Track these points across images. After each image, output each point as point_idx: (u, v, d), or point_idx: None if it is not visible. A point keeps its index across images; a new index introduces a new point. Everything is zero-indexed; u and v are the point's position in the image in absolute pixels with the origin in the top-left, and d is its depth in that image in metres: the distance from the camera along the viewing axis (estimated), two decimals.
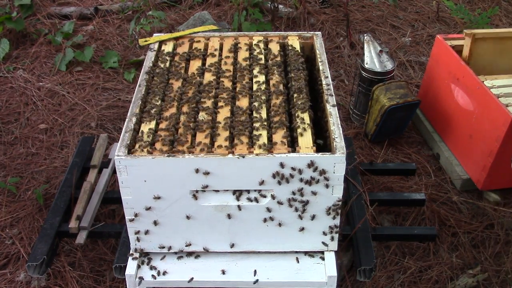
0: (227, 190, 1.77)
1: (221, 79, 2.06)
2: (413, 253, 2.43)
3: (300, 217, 1.82)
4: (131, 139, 1.78)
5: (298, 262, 1.90)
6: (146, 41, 2.30)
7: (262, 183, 1.74)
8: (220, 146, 1.75)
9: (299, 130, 1.81)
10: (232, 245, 1.90)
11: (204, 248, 1.91)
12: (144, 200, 1.78)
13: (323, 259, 1.91)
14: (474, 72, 2.66)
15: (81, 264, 2.35)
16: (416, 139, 3.10)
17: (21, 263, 2.36)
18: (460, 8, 3.94)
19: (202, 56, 2.20)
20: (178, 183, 1.74)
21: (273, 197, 1.77)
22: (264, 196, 1.78)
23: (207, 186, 1.74)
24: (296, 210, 1.80)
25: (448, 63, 2.84)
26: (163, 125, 1.85)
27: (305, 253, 1.93)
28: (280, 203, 1.78)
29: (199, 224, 1.84)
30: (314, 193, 1.76)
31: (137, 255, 1.91)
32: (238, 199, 1.78)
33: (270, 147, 1.74)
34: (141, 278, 1.86)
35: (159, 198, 1.76)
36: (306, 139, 1.78)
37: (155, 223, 1.83)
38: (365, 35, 3.09)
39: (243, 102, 1.94)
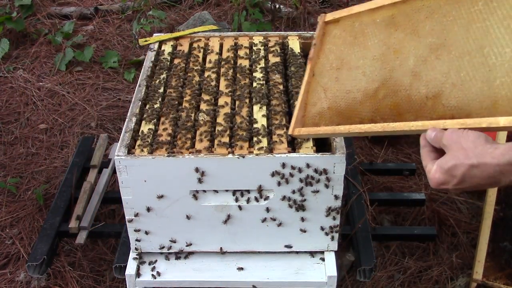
0: (227, 190, 1.77)
1: (221, 79, 2.06)
2: (413, 253, 2.43)
3: (300, 217, 1.82)
4: (131, 139, 1.78)
5: (313, 256, 1.93)
6: (146, 41, 2.30)
7: (262, 183, 1.74)
8: (220, 146, 1.75)
9: None
10: (225, 248, 1.90)
11: (204, 248, 1.91)
12: (144, 200, 1.78)
13: (323, 259, 1.91)
14: None
15: (81, 264, 2.36)
16: (416, 139, 3.08)
17: (21, 263, 2.36)
18: None
19: (202, 56, 2.20)
20: (178, 183, 1.74)
21: (273, 197, 1.77)
22: (264, 196, 1.78)
23: (206, 186, 1.74)
24: (296, 210, 1.80)
25: None
26: (163, 125, 1.85)
27: (311, 253, 1.93)
28: (280, 203, 1.78)
29: (199, 224, 1.84)
30: (314, 193, 1.76)
31: (137, 255, 1.91)
32: (238, 199, 1.78)
33: (270, 147, 1.74)
34: (140, 279, 1.87)
35: (162, 197, 1.76)
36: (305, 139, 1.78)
37: (155, 225, 1.83)
38: None
39: (243, 103, 1.94)
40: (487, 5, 1.29)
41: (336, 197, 1.77)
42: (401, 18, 1.51)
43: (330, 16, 1.75)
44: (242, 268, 1.90)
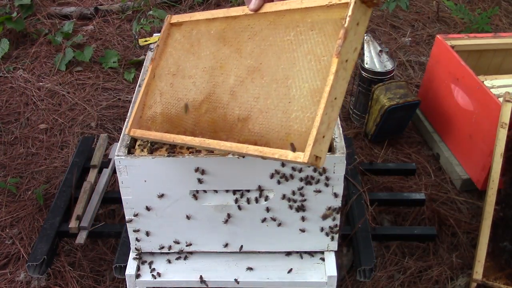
0: (227, 190, 1.77)
1: None
2: (413, 253, 2.43)
3: (300, 217, 1.82)
4: (131, 139, 1.78)
5: (302, 257, 1.92)
6: (146, 41, 2.30)
7: (262, 183, 1.74)
8: None
9: None
10: (229, 245, 1.90)
11: (203, 248, 1.91)
12: (144, 200, 1.78)
13: (323, 259, 1.91)
14: (475, 72, 2.66)
15: (81, 264, 2.36)
16: (416, 139, 3.10)
17: (21, 263, 2.36)
18: (460, 8, 3.94)
19: None
20: (178, 183, 1.74)
21: (273, 197, 1.77)
22: (264, 196, 1.78)
23: (206, 186, 1.74)
24: (296, 210, 1.80)
25: (448, 63, 2.84)
26: None
27: (311, 253, 1.93)
28: (279, 203, 1.78)
29: (199, 224, 1.84)
30: (314, 193, 1.76)
31: (137, 255, 1.91)
32: (238, 199, 1.78)
33: None
34: (140, 278, 1.87)
35: (162, 195, 1.76)
36: None
37: (155, 225, 1.83)
38: (365, 35, 3.09)
39: None
40: (297, 37, 1.28)
41: (336, 197, 1.77)
42: (230, 34, 1.49)
43: (175, 19, 1.72)
44: (251, 268, 1.90)
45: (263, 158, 1.23)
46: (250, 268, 1.90)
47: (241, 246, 1.90)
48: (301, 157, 1.14)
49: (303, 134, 1.17)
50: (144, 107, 1.68)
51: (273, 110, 1.26)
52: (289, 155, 1.17)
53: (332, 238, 1.88)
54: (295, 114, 1.21)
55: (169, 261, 1.92)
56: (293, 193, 1.76)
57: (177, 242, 1.89)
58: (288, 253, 1.93)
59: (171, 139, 1.51)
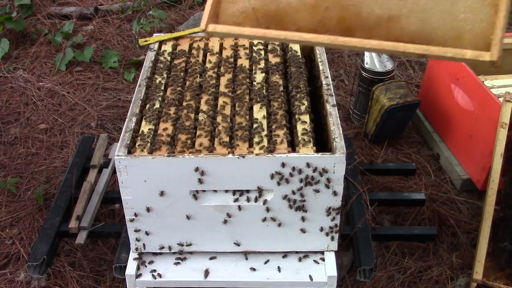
0: (227, 190, 1.77)
1: (221, 79, 2.06)
2: (413, 253, 2.43)
3: (300, 217, 1.82)
4: (131, 139, 1.78)
5: (300, 261, 1.91)
6: (146, 41, 2.30)
7: (262, 183, 1.74)
8: (220, 146, 1.75)
9: (298, 131, 1.82)
10: (234, 244, 1.90)
11: (204, 248, 1.91)
12: (144, 200, 1.78)
13: (323, 259, 1.91)
14: (475, 72, 2.66)
15: (81, 264, 2.35)
16: (416, 139, 3.10)
17: (21, 263, 2.36)
18: None
19: (202, 56, 2.20)
20: (178, 183, 1.74)
21: (273, 197, 1.77)
22: (264, 196, 1.78)
23: (205, 186, 1.74)
24: (296, 210, 1.79)
25: (448, 63, 2.84)
26: (163, 125, 1.85)
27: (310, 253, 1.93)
28: (280, 203, 1.78)
29: (199, 224, 1.84)
30: (314, 193, 1.76)
31: (137, 255, 1.91)
32: (238, 199, 1.78)
33: (270, 147, 1.74)
34: (140, 277, 1.87)
35: (163, 193, 1.76)
36: (306, 139, 1.78)
37: (155, 225, 1.83)
38: None
39: (243, 103, 1.94)
40: None
41: (336, 197, 1.77)
42: None
43: None
44: (251, 268, 1.90)
45: (426, 57, 1.24)
46: (250, 268, 1.90)
47: (239, 244, 1.90)
48: (486, 56, 1.17)
49: (479, 35, 1.19)
50: (220, 2, 1.48)
51: (430, 11, 1.26)
52: (467, 54, 1.18)
53: (332, 238, 1.88)
54: (463, 15, 1.22)
55: (169, 261, 1.92)
56: (293, 193, 1.76)
57: (177, 242, 1.89)
58: (288, 253, 1.93)
59: (281, 36, 1.39)
